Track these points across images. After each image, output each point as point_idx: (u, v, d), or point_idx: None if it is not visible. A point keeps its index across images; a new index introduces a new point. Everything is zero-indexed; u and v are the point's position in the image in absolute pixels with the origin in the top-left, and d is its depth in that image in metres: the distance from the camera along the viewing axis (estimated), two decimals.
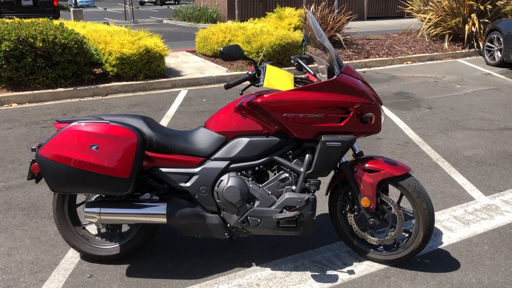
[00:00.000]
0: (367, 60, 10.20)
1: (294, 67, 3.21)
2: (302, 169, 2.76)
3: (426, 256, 3.08)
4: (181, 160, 2.81)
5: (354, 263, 3.00)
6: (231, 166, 2.81)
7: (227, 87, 2.77)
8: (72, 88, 7.44)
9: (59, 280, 2.81)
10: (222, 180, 2.78)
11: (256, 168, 2.93)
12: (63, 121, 2.75)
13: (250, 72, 2.78)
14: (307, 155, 2.78)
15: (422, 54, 10.93)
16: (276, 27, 10.91)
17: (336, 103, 2.70)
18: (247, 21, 11.72)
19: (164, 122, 6.07)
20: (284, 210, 2.74)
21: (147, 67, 8.08)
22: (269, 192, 2.80)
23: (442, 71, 9.64)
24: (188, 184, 2.80)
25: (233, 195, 2.74)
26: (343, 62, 9.78)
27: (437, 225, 3.47)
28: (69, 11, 20.22)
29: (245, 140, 2.79)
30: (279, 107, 2.69)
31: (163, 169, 2.81)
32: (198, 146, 2.82)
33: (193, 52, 10.98)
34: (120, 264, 2.98)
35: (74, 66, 7.55)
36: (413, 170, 4.51)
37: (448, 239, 3.28)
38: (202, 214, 2.82)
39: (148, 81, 8.00)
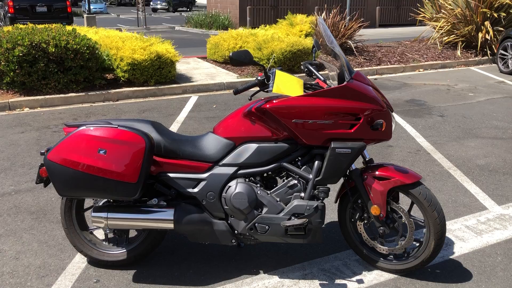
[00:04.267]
0: (379, 67, 10.14)
1: (304, 74, 3.19)
2: (311, 176, 2.72)
3: (438, 266, 3.01)
4: (189, 165, 2.79)
5: (363, 272, 2.95)
6: (239, 172, 2.78)
7: (236, 92, 2.75)
8: (83, 93, 7.49)
9: (66, 285, 2.80)
10: (230, 186, 2.76)
11: (265, 175, 2.90)
12: (72, 125, 2.75)
13: (259, 78, 2.77)
14: (316, 162, 2.74)
15: (434, 62, 10.84)
16: (287, 33, 10.90)
17: (346, 109, 2.67)
18: (258, 28, 11.74)
19: (174, 127, 6.08)
20: (293, 218, 2.70)
21: (158, 73, 8.11)
22: (278, 199, 2.77)
23: (454, 78, 9.55)
24: (195, 190, 2.78)
25: (241, 202, 2.71)
26: (354, 69, 9.71)
27: (448, 234, 3.41)
28: (83, 17, 20.44)
29: (253, 146, 2.76)
30: (288, 113, 2.66)
31: (171, 175, 2.79)
32: (206, 151, 2.80)
33: (204, 58, 11.01)
34: (127, 269, 2.96)
35: (86, 72, 7.60)
36: (425, 178, 4.44)
37: (460, 249, 3.22)
38: (210, 221, 2.79)
39: (159, 87, 8.03)
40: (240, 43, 9.94)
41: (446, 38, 12.10)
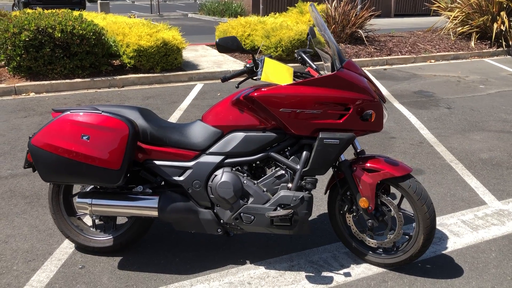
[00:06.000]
0: (389, 57, 9.98)
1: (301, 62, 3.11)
2: (298, 167, 2.67)
3: (428, 261, 2.95)
4: (175, 153, 2.75)
5: (352, 265, 2.90)
6: (226, 161, 2.74)
7: (223, 80, 2.70)
8: (89, 79, 7.50)
9: (51, 270, 2.80)
10: (216, 175, 2.72)
11: (254, 165, 2.85)
12: (59, 110, 2.72)
13: (248, 65, 2.71)
14: (304, 152, 2.69)
15: (447, 53, 10.63)
16: (296, 22, 10.77)
17: (336, 99, 2.60)
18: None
19: (176, 115, 6.05)
20: (279, 208, 2.66)
21: (164, 60, 8.08)
22: (264, 189, 2.72)
23: (466, 70, 9.36)
24: (181, 178, 2.75)
25: (226, 191, 2.67)
26: (361, 59, 9.60)
27: (443, 229, 3.34)
28: (97, 3, 20.45)
29: (241, 135, 2.71)
30: (275, 102, 2.61)
31: (157, 162, 2.76)
32: (193, 139, 2.76)
33: (213, 46, 10.94)
34: (113, 256, 2.96)
35: (92, 57, 7.60)
36: (425, 171, 4.36)
37: (453, 244, 3.15)
38: (195, 209, 2.76)
39: (165, 74, 8.00)
40: (248, 31, 9.86)
41: (460, 28, 11.84)
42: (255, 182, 2.73)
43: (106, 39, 7.89)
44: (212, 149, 2.75)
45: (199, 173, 2.73)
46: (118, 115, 2.58)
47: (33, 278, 2.73)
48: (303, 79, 2.68)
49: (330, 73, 2.70)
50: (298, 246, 3.11)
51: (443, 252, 3.06)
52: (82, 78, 7.54)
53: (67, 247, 3.04)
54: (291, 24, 9.90)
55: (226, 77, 2.69)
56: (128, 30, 8.16)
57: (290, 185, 2.71)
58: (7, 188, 3.89)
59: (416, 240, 2.71)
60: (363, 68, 9.43)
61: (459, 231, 3.32)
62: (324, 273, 2.82)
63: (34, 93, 7.10)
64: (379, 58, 9.89)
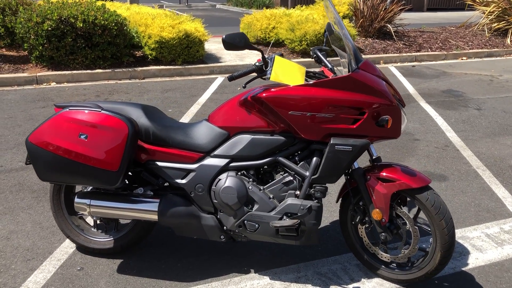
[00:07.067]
0: (418, 53, 9.62)
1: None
2: (307, 173, 2.50)
3: (446, 279, 2.74)
4: (179, 154, 2.62)
5: (362, 280, 2.72)
6: (231, 164, 2.59)
7: (230, 78, 2.54)
8: (110, 70, 7.45)
9: (49, 271, 2.72)
10: (220, 179, 2.57)
11: (262, 170, 2.68)
12: (61, 105, 2.62)
13: (257, 64, 2.54)
14: (314, 158, 2.51)
15: (480, 50, 10.18)
16: (323, 15, 10.48)
17: (349, 102, 2.41)
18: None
19: (194, 109, 5.93)
20: (285, 217, 2.50)
21: (185, 52, 7.97)
22: (271, 196, 2.56)
23: (500, 69, 8.93)
24: (184, 181, 2.61)
25: (230, 196, 2.53)
26: (389, 54, 9.24)
27: (465, 242, 3.11)
28: None
29: (247, 138, 2.55)
30: (284, 104, 2.43)
31: (159, 163, 2.63)
32: (198, 140, 2.62)
33: None
34: (114, 258, 2.85)
35: (114, 48, 7.55)
36: (448, 177, 4.11)
37: (475, 261, 2.92)
38: (198, 214, 2.62)
39: (186, 67, 7.90)
40: (273, 24, 9.65)
41: (495, 24, 11.33)
42: (262, 188, 2.57)
43: (128, 30, 7.82)
44: (217, 152, 2.60)
45: (203, 177, 2.59)
46: (118, 113, 2.46)
47: (29, 278, 2.65)
48: (316, 80, 2.50)
49: (344, 74, 2.51)
50: (307, 255, 2.94)
51: (463, 268, 2.84)
52: (103, 68, 7.49)
53: (67, 247, 2.96)
54: (317, 17, 9.64)
55: (233, 76, 2.53)
56: (151, 21, 8.07)
57: (298, 192, 2.54)
58: (16, 181, 3.84)
59: (433, 257, 2.50)
60: (390, 65, 9.13)
61: (482, 245, 3.09)
62: (332, 287, 2.64)
63: (55, 83, 7.10)
64: (408, 54, 9.54)
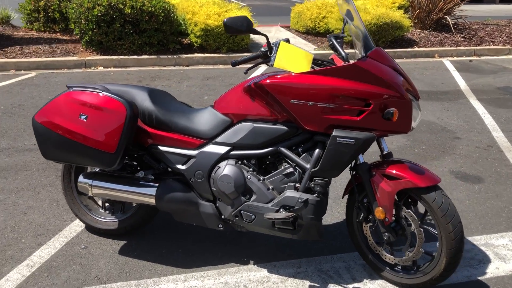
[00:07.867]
0: (478, 47, 9.04)
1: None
2: (308, 166, 2.39)
3: (458, 286, 2.54)
4: (181, 140, 2.59)
5: (365, 280, 2.58)
6: (232, 152, 2.52)
7: (234, 64, 2.46)
8: (155, 56, 7.59)
9: (54, 247, 2.80)
10: (219, 167, 2.52)
11: (267, 161, 2.59)
12: (71, 86, 2.66)
13: (262, 49, 2.45)
14: (317, 150, 2.39)
15: None
16: (377, 5, 10.10)
17: (354, 92, 2.27)
18: None
19: None
20: (281, 210, 2.41)
21: (230, 40, 7.96)
22: (270, 187, 2.47)
23: None
24: (184, 167, 2.58)
25: (227, 185, 2.47)
26: (445, 48, 8.68)
27: (487, 250, 2.88)
28: None
29: (249, 126, 2.48)
30: (285, 92, 2.33)
31: (161, 148, 2.62)
32: (201, 126, 2.58)
33: (288, 27, 10.63)
34: (118, 240, 2.89)
35: (160, 35, 7.67)
36: (485, 179, 3.82)
37: (495, 270, 2.69)
38: (196, 201, 2.59)
39: (230, 55, 7.89)
40: (324, 13, 9.41)
41: None
42: (261, 178, 2.49)
43: (175, 17, 7.92)
44: (218, 139, 2.54)
45: (202, 163, 2.55)
46: (118, 96, 2.46)
47: (35, 253, 2.74)
48: (320, 68, 2.37)
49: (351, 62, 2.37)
50: (312, 251, 2.83)
51: (479, 278, 2.63)
52: (149, 55, 7.65)
53: (77, 225, 3.03)
54: (370, 7, 9.31)
55: (237, 61, 2.45)
56: (198, 9, 8.12)
57: (298, 185, 2.44)
58: (44, 159, 3.98)
59: (438, 262, 2.32)
60: (445, 59, 8.64)
61: (506, 255, 2.84)
62: (331, 285, 2.53)
63: (102, 67, 7.33)
64: (466, 48, 8.99)
